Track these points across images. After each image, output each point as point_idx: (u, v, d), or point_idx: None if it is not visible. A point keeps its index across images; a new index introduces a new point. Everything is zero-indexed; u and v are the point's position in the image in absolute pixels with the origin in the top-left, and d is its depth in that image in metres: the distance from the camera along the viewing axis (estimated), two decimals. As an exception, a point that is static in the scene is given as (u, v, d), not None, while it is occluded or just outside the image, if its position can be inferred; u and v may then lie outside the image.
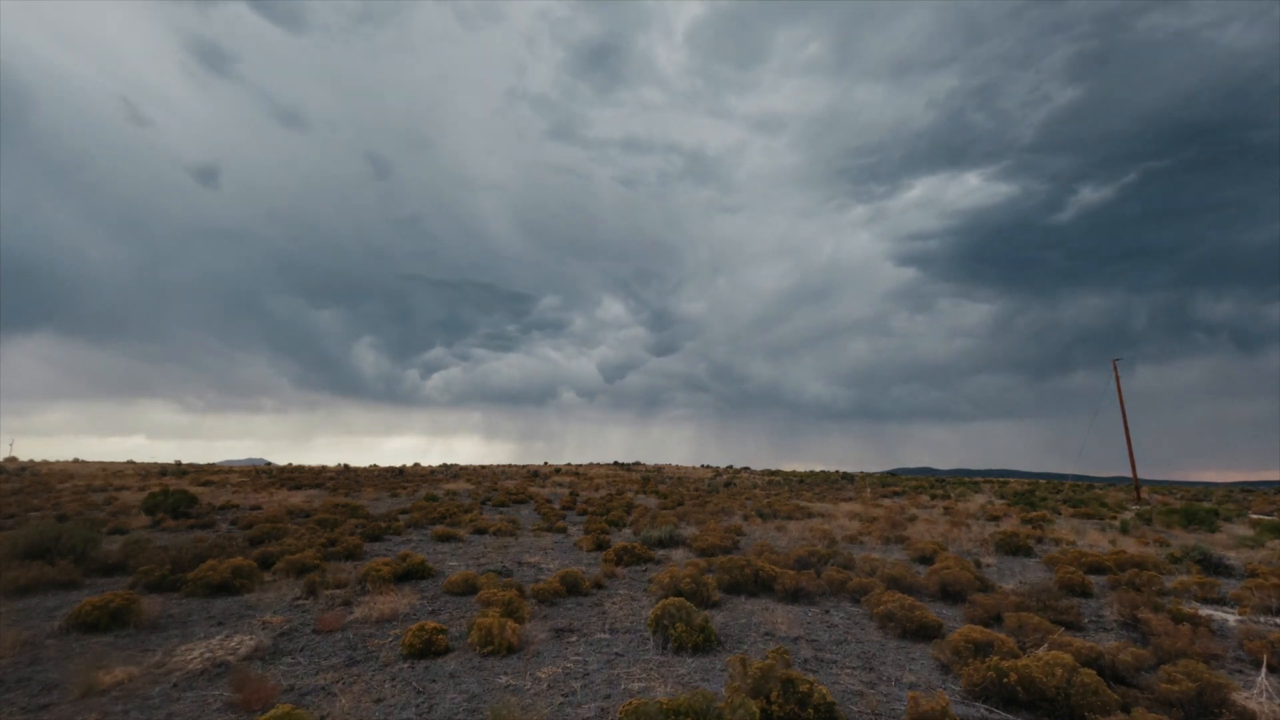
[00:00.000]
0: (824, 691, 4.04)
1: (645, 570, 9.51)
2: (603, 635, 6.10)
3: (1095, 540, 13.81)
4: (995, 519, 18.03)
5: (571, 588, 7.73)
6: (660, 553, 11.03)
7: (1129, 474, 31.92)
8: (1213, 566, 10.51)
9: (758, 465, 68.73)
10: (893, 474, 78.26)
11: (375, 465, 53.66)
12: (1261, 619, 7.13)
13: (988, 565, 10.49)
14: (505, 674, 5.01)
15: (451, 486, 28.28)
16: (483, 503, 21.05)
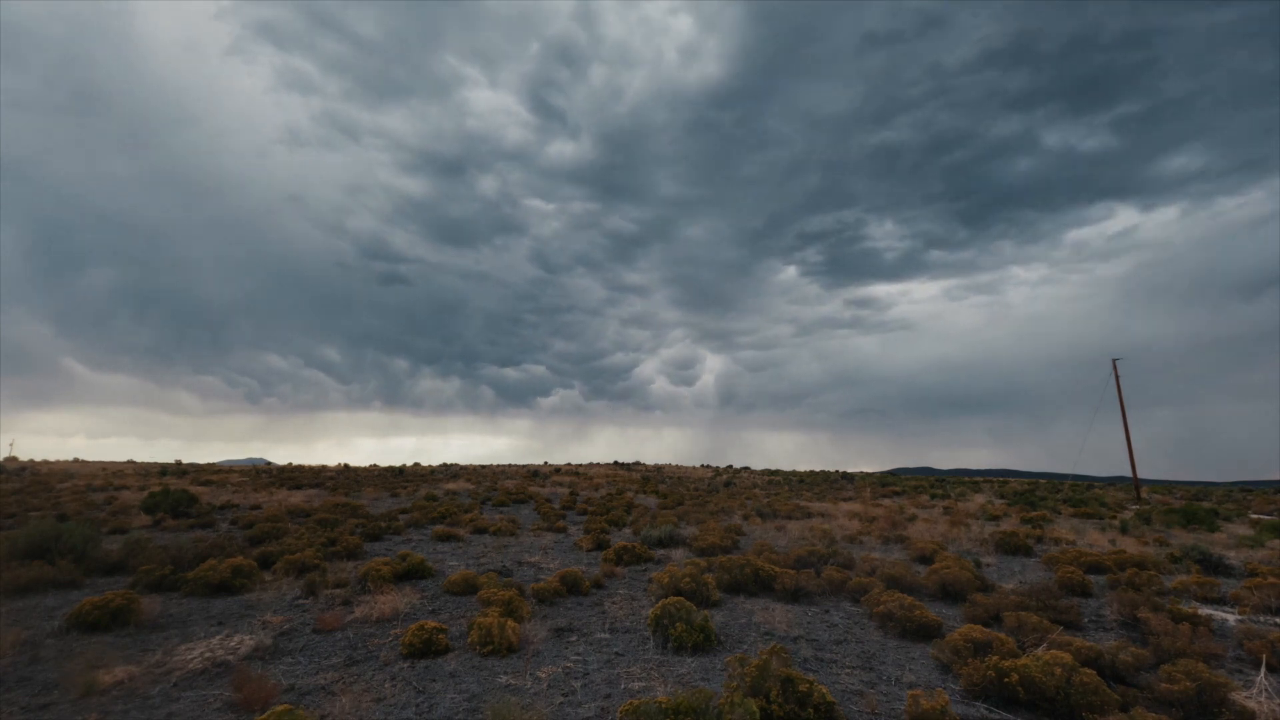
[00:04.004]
0: (824, 691, 4.04)
1: (645, 570, 9.51)
2: (603, 635, 6.10)
3: (1095, 540, 13.80)
4: (995, 519, 18.03)
5: (571, 587, 7.73)
6: (660, 552, 11.03)
7: (1129, 473, 31.95)
8: (1213, 566, 10.52)
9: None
10: (893, 474, 78.24)
11: (375, 465, 53.68)
12: (1261, 618, 7.13)
13: (987, 565, 10.50)
14: (505, 673, 5.01)
15: (451, 486, 28.28)
16: (483, 502, 21.06)
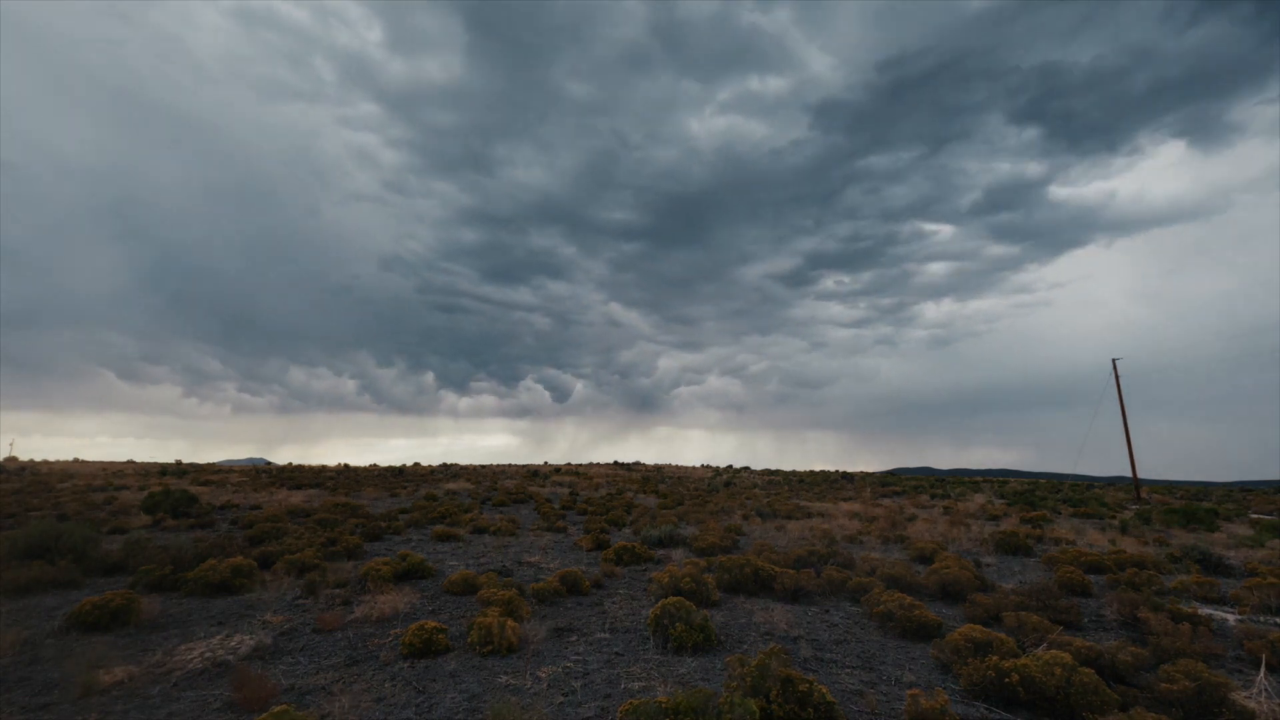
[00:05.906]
0: (823, 691, 4.04)
1: (645, 570, 9.51)
2: (603, 635, 6.10)
3: (1095, 540, 13.81)
4: (995, 518, 18.04)
5: (571, 587, 7.73)
6: (660, 552, 11.04)
7: (1129, 473, 31.97)
8: (1212, 566, 10.52)
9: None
10: (893, 474, 78.19)
11: (375, 465, 53.67)
12: (1261, 618, 7.14)
13: (987, 565, 10.50)
14: (505, 673, 5.01)
15: (451, 486, 28.28)
16: (482, 502, 21.06)
